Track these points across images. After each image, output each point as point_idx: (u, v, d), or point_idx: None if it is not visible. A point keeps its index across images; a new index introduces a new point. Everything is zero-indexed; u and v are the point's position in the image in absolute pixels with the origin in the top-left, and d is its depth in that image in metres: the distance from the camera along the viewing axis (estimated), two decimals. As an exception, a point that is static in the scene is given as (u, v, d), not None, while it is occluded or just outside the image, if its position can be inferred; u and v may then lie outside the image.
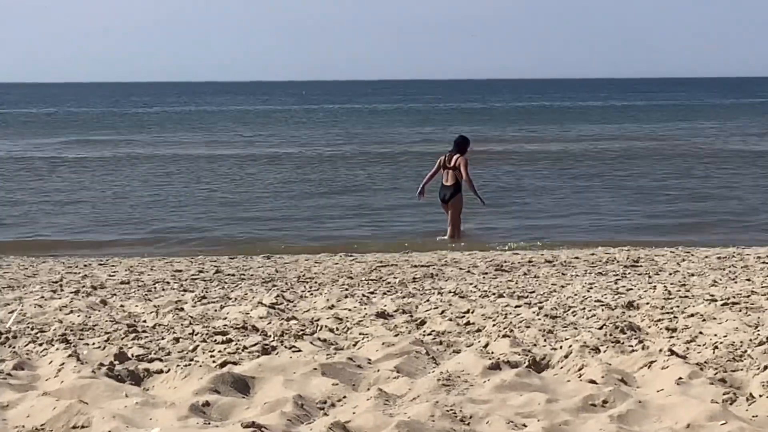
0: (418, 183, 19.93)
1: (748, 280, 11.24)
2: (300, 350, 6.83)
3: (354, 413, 5.24)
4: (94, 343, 7.21)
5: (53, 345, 7.12)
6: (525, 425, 5.07)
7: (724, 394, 5.49)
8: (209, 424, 5.15)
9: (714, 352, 6.68)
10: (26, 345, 7.24)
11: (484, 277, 11.95)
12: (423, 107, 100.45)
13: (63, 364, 6.27)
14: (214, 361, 6.47)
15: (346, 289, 10.83)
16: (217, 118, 78.76)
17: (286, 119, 76.78)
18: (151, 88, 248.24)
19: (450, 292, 10.35)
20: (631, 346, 6.98)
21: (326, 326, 8.07)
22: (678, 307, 9.02)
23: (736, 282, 11.06)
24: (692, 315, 8.48)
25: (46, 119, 79.43)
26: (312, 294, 10.48)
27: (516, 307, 9.17)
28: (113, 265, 14.21)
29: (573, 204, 24.57)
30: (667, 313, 8.67)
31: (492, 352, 6.68)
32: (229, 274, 12.63)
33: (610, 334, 7.48)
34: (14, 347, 7.11)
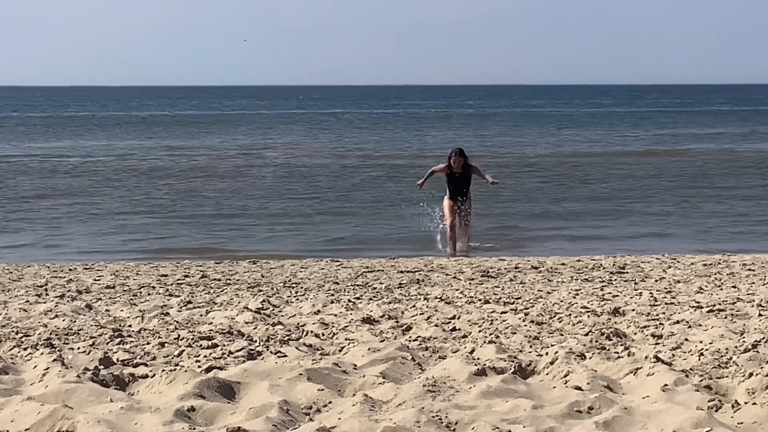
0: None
1: (734, 287, 11.26)
2: (286, 355, 6.82)
3: (339, 419, 5.23)
4: (79, 348, 7.19)
5: (38, 349, 7.10)
6: (510, 431, 5.07)
7: (709, 401, 5.50)
8: (194, 429, 5.14)
9: (699, 359, 6.69)
10: (11, 349, 7.21)
11: (470, 283, 11.95)
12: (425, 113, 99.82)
13: (48, 368, 6.24)
14: (199, 366, 6.46)
15: (332, 295, 10.81)
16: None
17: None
18: (146, 91, 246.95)
19: (436, 297, 10.35)
20: (617, 352, 6.98)
21: (312, 331, 8.06)
22: (664, 313, 9.04)
23: (721, 289, 11.09)
24: (678, 322, 8.50)
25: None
26: (298, 299, 10.46)
27: (502, 313, 9.18)
28: (99, 270, 14.17)
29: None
30: (653, 319, 8.68)
31: (478, 358, 6.68)
32: (214, 279, 12.60)
33: (596, 341, 7.48)
34: (-1, 351, 7.09)
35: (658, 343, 7.48)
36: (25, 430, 5.11)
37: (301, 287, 11.65)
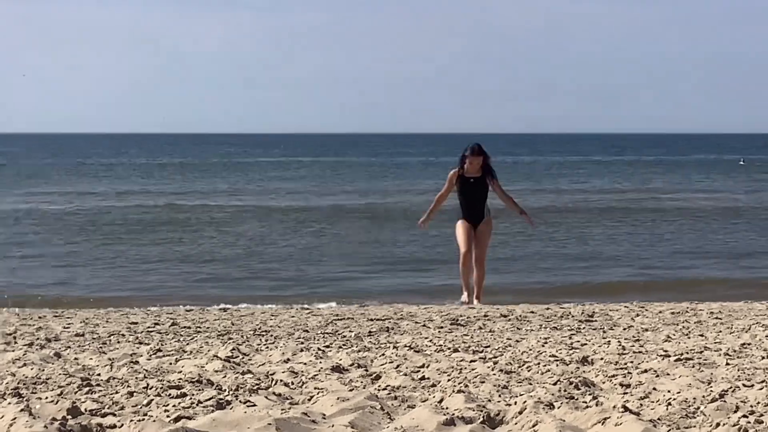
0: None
1: (702, 335, 11.32)
2: (255, 405, 6.81)
3: (308, 469, 5.23)
4: (47, 397, 7.14)
5: (5, 399, 7.06)
6: (479, 482, 5.09)
7: (676, 451, 5.53)
8: (162, 480, 5.13)
9: (667, 409, 6.72)
10: (-23, 399, 7.17)
11: (439, 332, 11.96)
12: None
13: (15, 418, 6.20)
14: (168, 416, 6.44)
15: (302, 343, 10.81)
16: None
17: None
18: (136, 140, 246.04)
19: (405, 346, 10.35)
20: (585, 402, 7.00)
21: (281, 380, 8.05)
22: (632, 362, 9.07)
23: (689, 337, 11.14)
24: (646, 371, 8.53)
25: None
26: (268, 347, 10.45)
27: (471, 361, 9.19)
28: (68, 317, 14.11)
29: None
30: (621, 368, 8.71)
31: (446, 408, 6.69)
32: (185, 327, 12.57)
33: (565, 390, 7.50)
34: (-34, 401, 7.04)
35: (627, 393, 7.51)
36: (-8, 481, 5.09)
37: (271, 335, 11.64)
